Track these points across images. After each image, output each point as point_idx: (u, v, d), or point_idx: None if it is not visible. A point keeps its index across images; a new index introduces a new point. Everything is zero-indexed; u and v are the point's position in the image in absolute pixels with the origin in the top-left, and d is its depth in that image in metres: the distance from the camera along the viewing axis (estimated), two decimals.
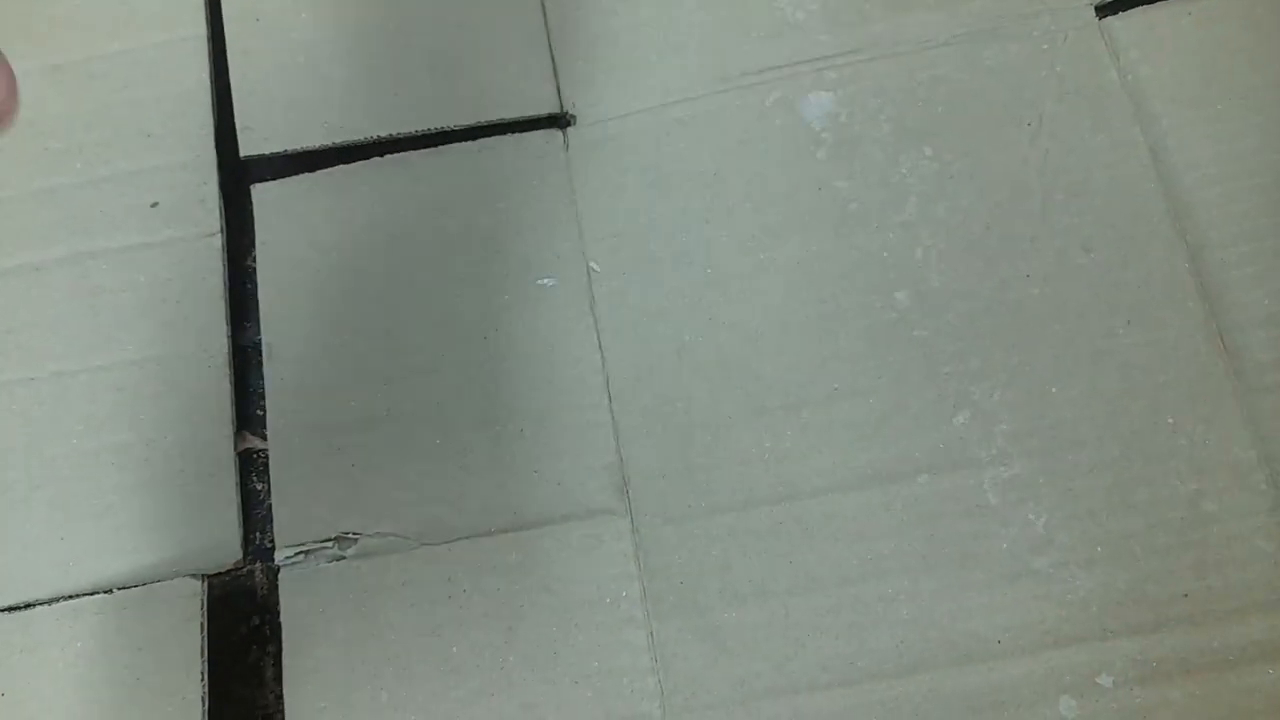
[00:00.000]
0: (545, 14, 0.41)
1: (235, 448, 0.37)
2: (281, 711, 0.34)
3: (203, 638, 0.34)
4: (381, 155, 0.39)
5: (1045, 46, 0.39)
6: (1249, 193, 0.36)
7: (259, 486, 0.37)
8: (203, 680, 0.33)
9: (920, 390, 0.35)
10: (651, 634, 0.34)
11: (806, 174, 0.38)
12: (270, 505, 0.36)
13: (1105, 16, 0.39)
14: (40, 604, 0.35)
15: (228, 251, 0.39)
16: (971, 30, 0.39)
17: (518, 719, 0.33)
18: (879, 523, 0.34)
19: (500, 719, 0.33)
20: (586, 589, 0.34)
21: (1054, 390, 0.35)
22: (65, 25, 0.41)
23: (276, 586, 0.35)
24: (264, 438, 0.37)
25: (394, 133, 0.39)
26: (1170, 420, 0.34)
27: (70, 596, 0.35)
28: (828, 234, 0.37)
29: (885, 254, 0.37)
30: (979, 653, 0.33)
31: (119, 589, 0.35)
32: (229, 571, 0.36)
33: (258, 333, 0.38)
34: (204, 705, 0.33)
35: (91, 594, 0.35)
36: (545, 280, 0.38)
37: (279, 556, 0.35)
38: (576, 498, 0.35)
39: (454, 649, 0.34)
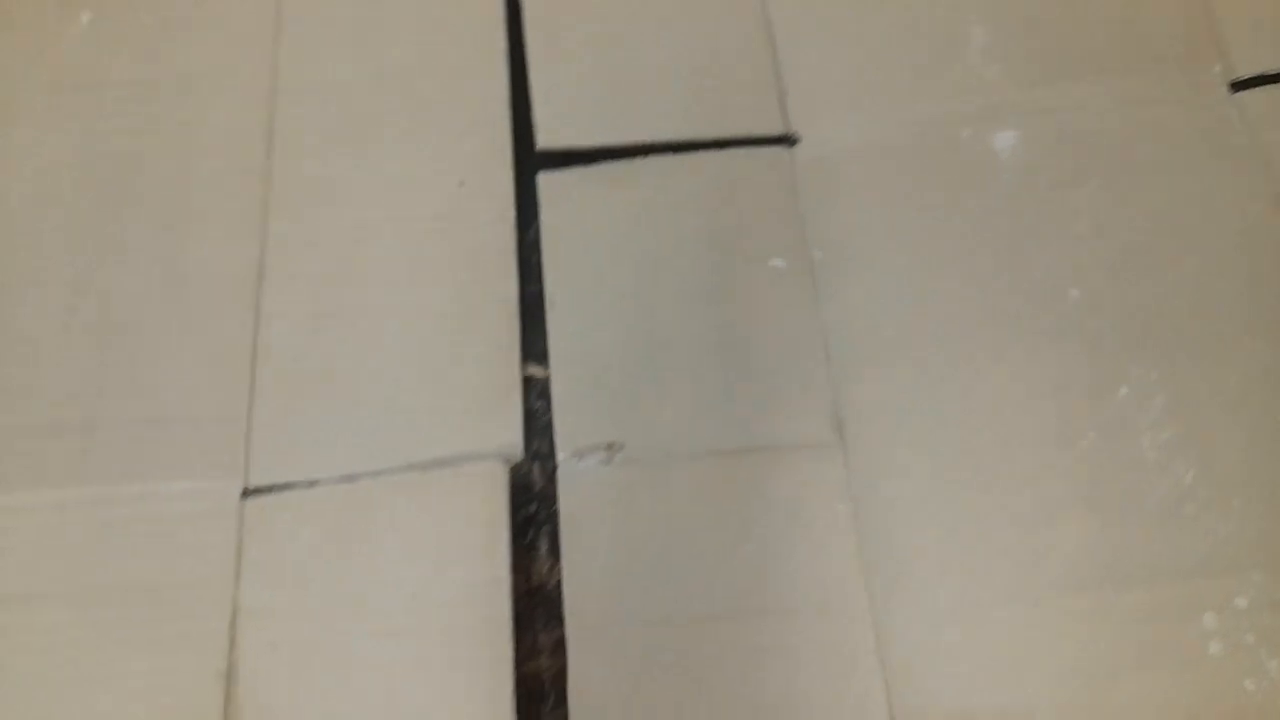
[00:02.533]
0: (775, 51, 0.51)
1: (521, 373, 0.46)
2: (558, 579, 0.42)
3: (508, 506, 0.42)
4: (644, 156, 0.49)
5: (1188, 112, 0.48)
6: None
7: (538, 405, 0.45)
8: (509, 540, 0.41)
9: (1089, 368, 0.43)
10: (859, 551, 0.41)
11: (994, 192, 0.47)
12: (548, 420, 0.45)
13: (1238, 91, 0.48)
14: (366, 476, 0.43)
15: (518, 222, 0.48)
16: (1127, 97, 0.48)
17: (742, 606, 0.41)
18: (1054, 471, 0.42)
19: (731, 597, 0.41)
20: (800, 509, 0.42)
21: (1200, 370, 0.43)
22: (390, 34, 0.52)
23: (553, 482, 0.44)
24: (545, 368, 0.46)
25: (653, 139, 0.49)
26: None
27: (392, 471, 0.43)
28: (1012, 239, 0.46)
29: (1061, 259, 0.45)
30: (1138, 577, 0.40)
31: (435, 468, 0.43)
32: (513, 469, 0.44)
33: (540, 288, 0.47)
34: (509, 560, 0.41)
35: (407, 470, 0.43)
36: (776, 262, 0.47)
37: (559, 456, 0.44)
38: (799, 431, 0.43)
39: (695, 544, 0.42)
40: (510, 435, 0.44)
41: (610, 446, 0.44)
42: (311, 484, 0.44)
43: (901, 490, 0.42)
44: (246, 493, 0.44)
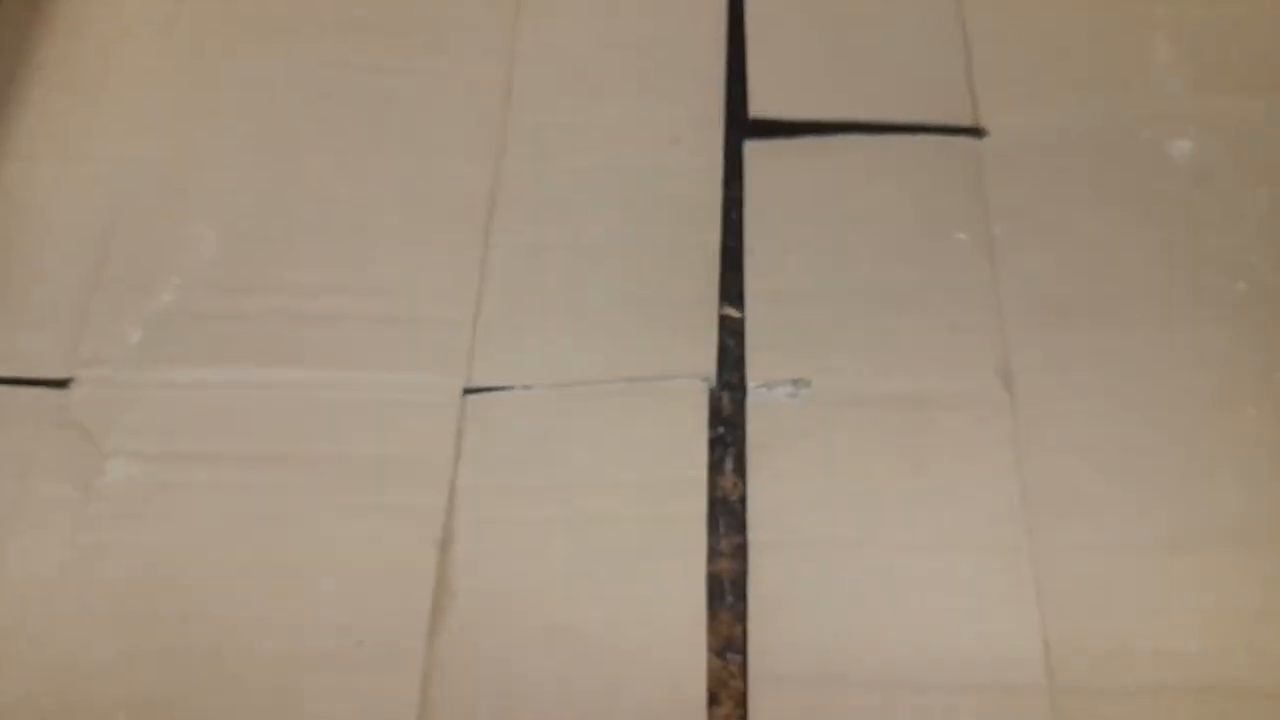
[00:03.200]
0: (969, 47, 0.55)
1: (719, 312, 0.51)
2: (742, 494, 0.46)
3: (707, 419, 0.47)
4: (845, 133, 0.54)
5: None
6: None
7: (730, 343, 0.50)
8: (707, 449, 0.46)
9: (1251, 350, 0.47)
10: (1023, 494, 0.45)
11: (1168, 190, 0.51)
12: (739, 355, 0.50)
13: None
14: (578, 384, 0.49)
15: (724, 179, 0.54)
16: None
17: (908, 538, 0.45)
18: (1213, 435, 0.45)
19: (900, 528, 0.45)
20: (969, 452, 0.46)
21: None
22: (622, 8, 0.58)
23: (742, 410, 0.48)
24: (740, 310, 0.51)
25: (854, 118, 0.54)
26: None
27: (602, 381, 0.49)
28: (1184, 232, 0.50)
29: (1229, 254, 0.49)
30: None
31: (641, 382, 0.48)
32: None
33: (739, 242, 0.52)
34: (708, 472, 0.46)
35: (616, 381, 0.48)
36: (960, 235, 0.51)
37: (750, 385, 0.48)
38: (970, 382, 0.48)
39: (870, 476, 0.46)
40: (707, 362, 0.49)
41: (797, 382, 0.48)
42: (528, 388, 0.49)
43: (1064, 440, 0.46)
44: (468, 390, 0.49)
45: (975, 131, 0.54)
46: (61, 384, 0.51)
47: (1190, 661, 0.42)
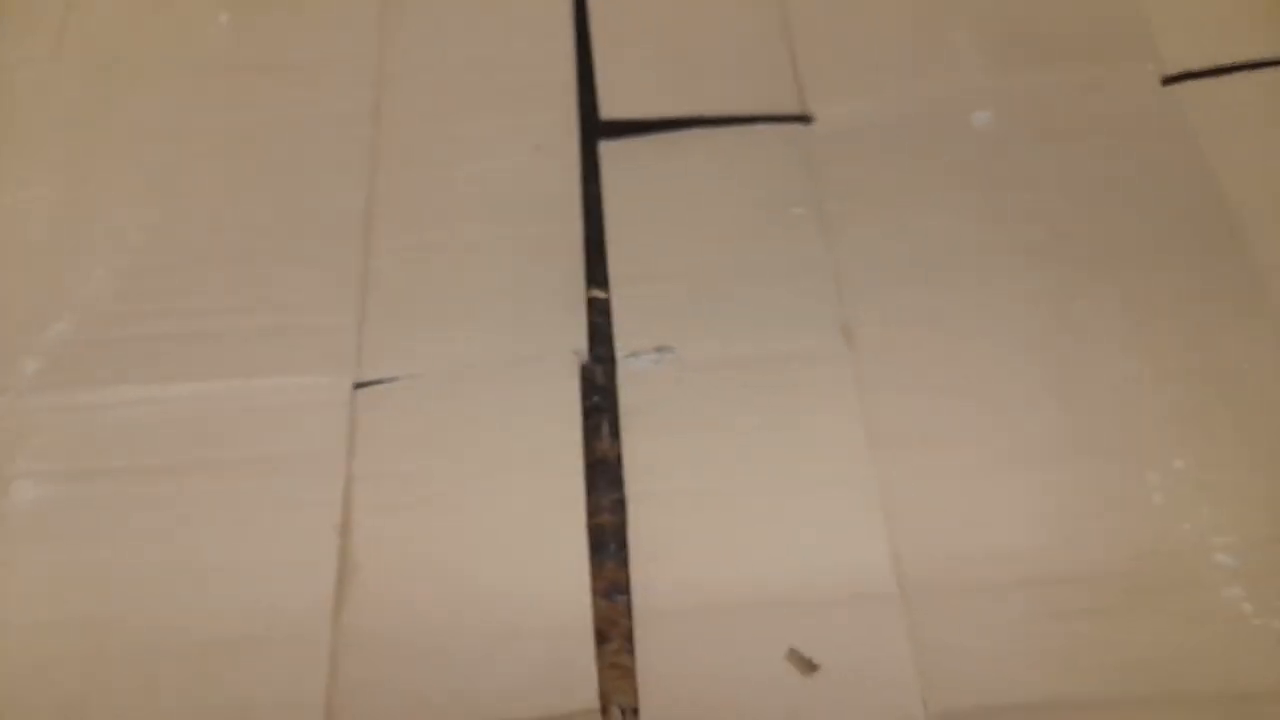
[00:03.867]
0: (794, 43, 0.62)
1: (586, 294, 0.55)
2: (618, 453, 0.51)
3: (579, 388, 0.51)
4: (688, 128, 0.59)
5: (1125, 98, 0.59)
6: None
7: (599, 322, 0.55)
8: (581, 415, 0.51)
9: (1055, 285, 0.53)
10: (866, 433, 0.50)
11: (974, 156, 0.57)
12: (608, 332, 0.54)
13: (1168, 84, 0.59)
14: (462, 369, 0.52)
15: (583, 178, 0.59)
16: (1080, 85, 0.59)
17: (770, 482, 0.50)
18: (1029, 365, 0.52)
19: (759, 472, 0.50)
20: (816, 400, 0.51)
21: (1143, 283, 0.53)
22: (473, 29, 0.63)
23: (613, 380, 0.53)
24: (605, 291, 0.55)
25: (695, 113, 0.60)
26: None
27: (484, 365, 0.53)
28: (990, 191, 0.56)
29: (1030, 206, 0.56)
30: (1096, 448, 0.49)
31: (519, 363, 0.52)
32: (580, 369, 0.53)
33: (601, 234, 0.57)
34: (585, 436, 0.50)
35: (496, 365, 0.52)
36: (797, 210, 0.57)
37: (619, 356, 0.53)
38: (814, 340, 0.53)
39: (732, 430, 0.51)
40: (578, 339, 0.53)
41: (660, 349, 0.53)
42: (413, 377, 0.53)
43: (901, 383, 0.51)
44: (357, 385, 0.53)
45: (804, 119, 0.60)
46: None
47: (1020, 557, 0.47)
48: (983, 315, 0.54)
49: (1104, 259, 0.54)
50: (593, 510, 0.50)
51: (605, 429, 0.52)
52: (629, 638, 0.46)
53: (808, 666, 0.45)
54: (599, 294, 0.56)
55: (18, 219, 0.58)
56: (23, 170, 0.60)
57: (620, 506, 0.50)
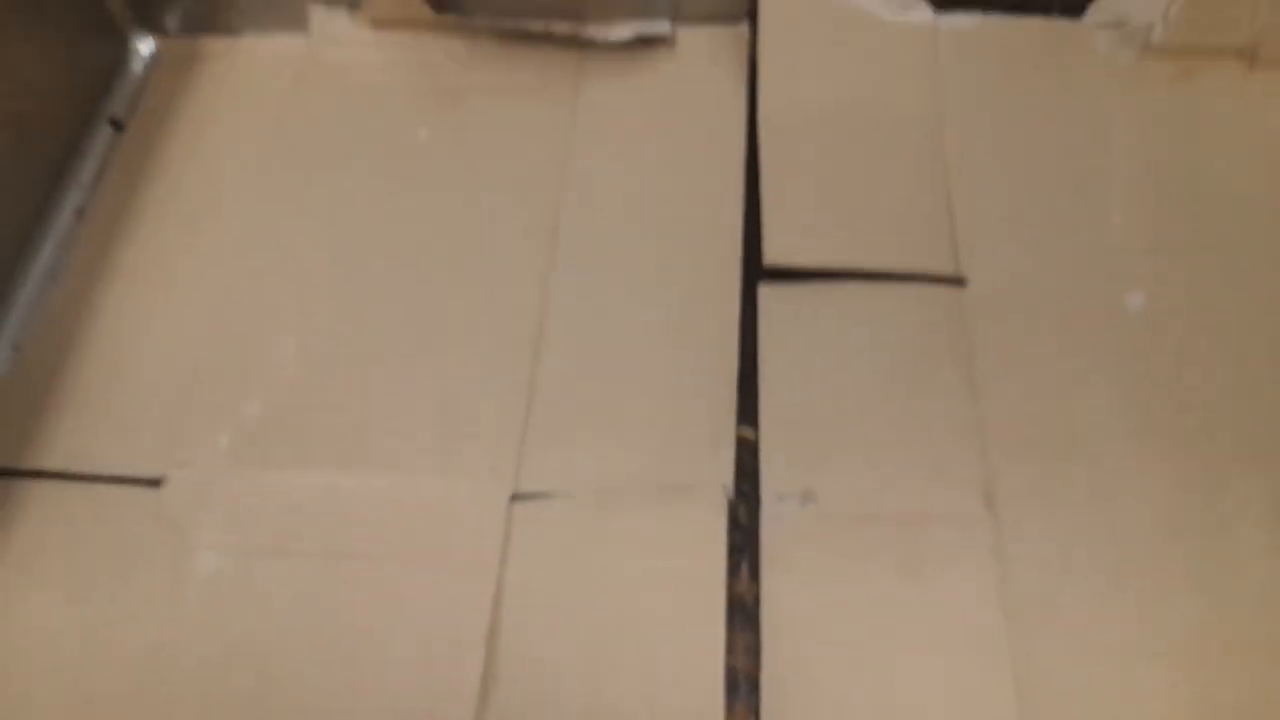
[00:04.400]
0: (953, 208, 0.64)
1: (736, 432, 0.58)
2: (755, 595, 0.53)
3: (726, 520, 0.54)
4: (847, 280, 0.62)
5: None
6: None
7: (747, 461, 0.57)
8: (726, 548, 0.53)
9: (1201, 475, 0.54)
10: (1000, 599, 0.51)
11: (1124, 335, 0.59)
12: (755, 470, 0.56)
13: None
14: (613, 491, 0.56)
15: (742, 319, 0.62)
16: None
17: (896, 627, 0.51)
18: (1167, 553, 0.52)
19: (887, 631, 0.51)
20: (954, 562, 0.53)
21: None
22: (652, 170, 0.68)
23: (756, 519, 0.55)
24: (754, 431, 0.58)
25: (855, 267, 0.63)
26: None
27: (634, 489, 0.56)
28: (1138, 374, 0.57)
29: (1179, 394, 0.56)
30: (1238, 646, 0.49)
31: (669, 490, 0.55)
32: None
33: (755, 370, 0.60)
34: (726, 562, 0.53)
35: (646, 489, 0.55)
36: (946, 372, 0.59)
37: (764, 497, 0.55)
38: (956, 502, 0.54)
39: (869, 584, 0.52)
40: (725, 475, 0.56)
41: (806, 494, 0.55)
42: (569, 495, 0.56)
43: (1039, 556, 0.53)
44: (515, 496, 0.56)
45: (957, 280, 0.62)
46: (155, 483, 0.58)
47: None
48: (1128, 495, 0.54)
49: (1254, 452, 0.55)
50: (728, 649, 0.52)
51: (745, 569, 0.54)
52: None
53: None
54: (748, 433, 0.58)
55: (220, 301, 0.64)
56: (227, 257, 0.66)
57: (755, 649, 0.52)
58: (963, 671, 0.50)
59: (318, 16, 0.76)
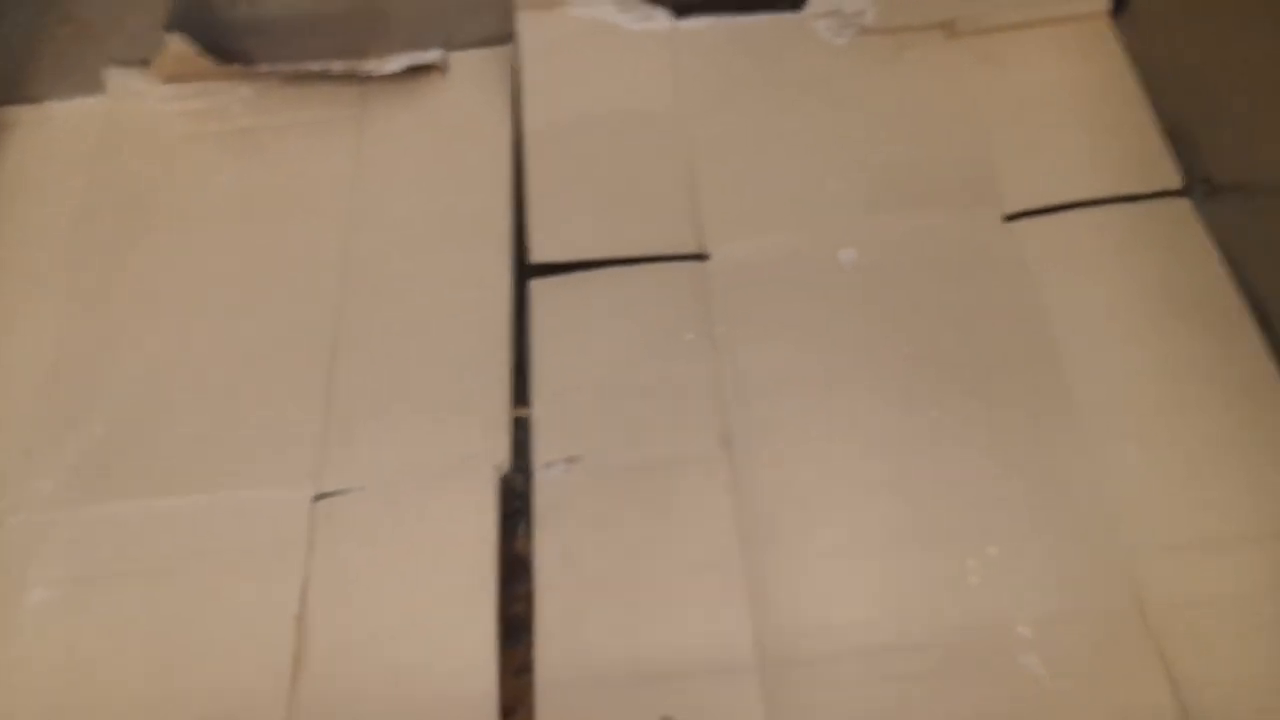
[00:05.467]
0: (698, 192, 0.73)
1: (512, 412, 0.65)
2: (531, 550, 0.60)
3: (498, 494, 0.61)
4: (604, 267, 0.70)
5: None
6: None
7: (522, 436, 0.65)
8: (498, 516, 0.61)
9: (909, 397, 0.63)
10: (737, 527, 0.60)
11: (841, 288, 0.68)
12: (528, 444, 0.64)
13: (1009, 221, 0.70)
14: (399, 480, 0.63)
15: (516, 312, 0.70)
16: (935, 226, 0.70)
17: (649, 567, 0.59)
18: (881, 462, 0.61)
19: (644, 560, 0.59)
20: (696, 500, 0.61)
21: (992, 397, 0.62)
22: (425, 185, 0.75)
23: (530, 487, 0.63)
24: (528, 409, 0.66)
25: (610, 255, 0.71)
26: None
27: (422, 475, 0.63)
28: (856, 320, 0.67)
29: (890, 332, 0.66)
30: (931, 538, 0.59)
31: (450, 473, 0.63)
32: (504, 478, 0.63)
33: (527, 359, 0.68)
34: (501, 536, 0.60)
35: (432, 475, 0.63)
36: (689, 335, 0.67)
37: (535, 466, 0.63)
38: (698, 446, 0.63)
39: (624, 528, 0.60)
40: (501, 452, 0.64)
41: (570, 459, 0.63)
42: (363, 488, 0.63)
43: (768, 483, 0.61)
44: (316, 497, 0.63)
45: (701, 257, 0.71)
46: None
47: (858, 630, 0.56)
48: (844, 424, 0.63)
49: (949, 379, 0.64)
50: (511, 600, 0.59)
51: (521, 530, 0.62)
52: (531, 710, 0.56)
53: None
54: (523, 412, 0.66)
55: (35, 345, 0.70)
56: (36, 302, 0.72)
57: (531, 597, 0.59)
58: (704, 591, 0.58)
59: (114, 78, 0.82)
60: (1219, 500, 0.58)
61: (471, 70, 0.82)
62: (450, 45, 0.82)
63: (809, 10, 0.81)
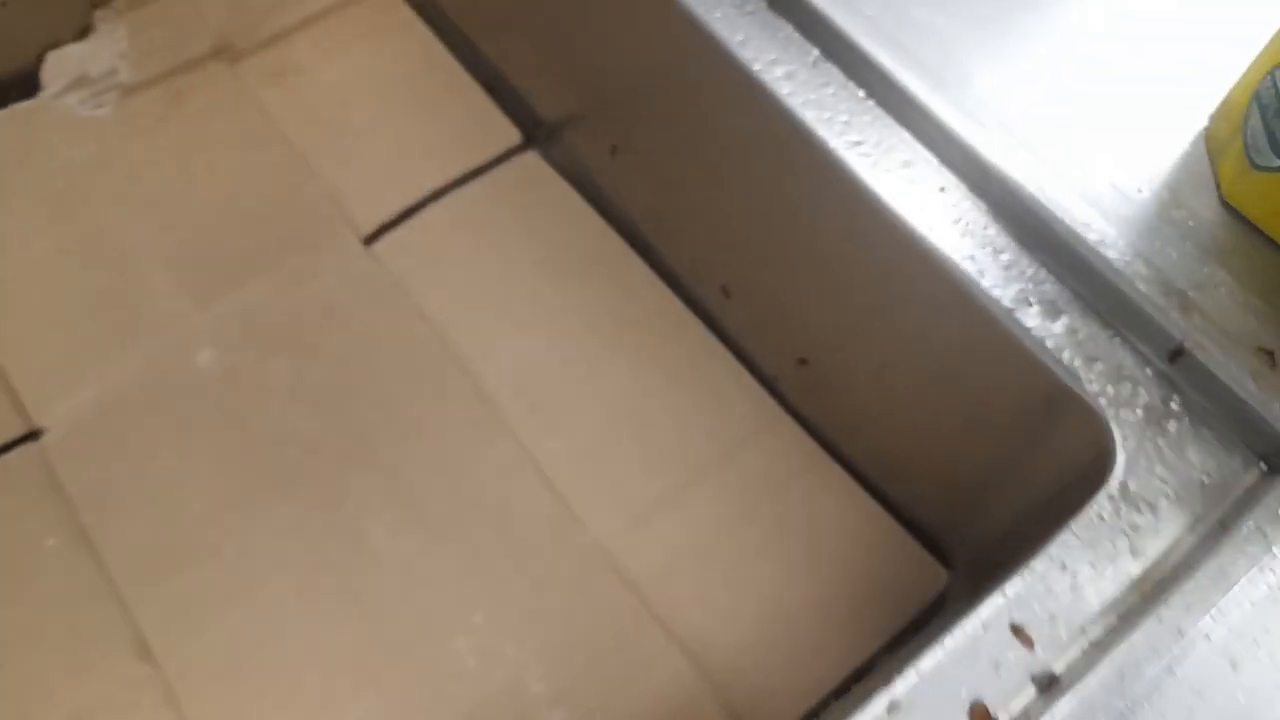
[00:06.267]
0: None
1: None
2: None
3: None
4: None
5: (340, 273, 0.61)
6: None
7: None
8: None
9: (323, 511, 0.54)
10: None
11: (210, 398, 0.57)
12: None
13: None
14: None
15: None
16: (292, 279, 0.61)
17: None
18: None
19: None
20: None
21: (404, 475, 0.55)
22: None
23: None
24: None
25: None
26: None
27: None
28: (227, 428, 0.56)
29: (273, 426, 0.56)
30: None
31: None
32: None
33: None
34: None
35: None
36: (50, 541, 0.53)
37: None
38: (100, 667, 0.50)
39: None
40: None
41: None
42: None
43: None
44: None
45: (32, 435, 0.56)
46: None
47: None
48: (255, 567, 0.53)
49: (364, 448, 0.56)
50: None
51: None
52: None
53: None
54: None
55: None
56: None
57: None
58: None
59: None
60: (658, 456, 0.57)
61: None
62: None
63: (48, 91, 0.66)
